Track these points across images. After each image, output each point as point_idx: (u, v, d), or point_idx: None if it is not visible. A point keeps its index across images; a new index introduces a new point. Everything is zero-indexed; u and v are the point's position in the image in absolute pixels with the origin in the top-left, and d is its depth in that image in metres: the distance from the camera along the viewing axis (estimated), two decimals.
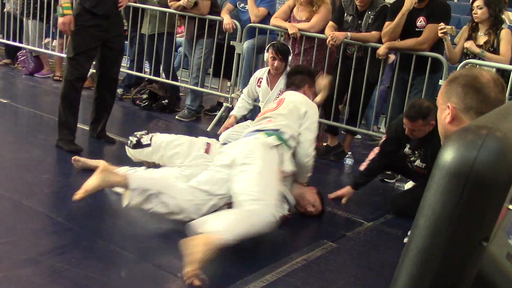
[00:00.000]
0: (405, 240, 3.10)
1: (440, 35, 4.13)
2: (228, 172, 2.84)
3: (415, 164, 3.56)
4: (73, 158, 3.57)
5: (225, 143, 3.53)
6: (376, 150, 3.74)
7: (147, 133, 3.51)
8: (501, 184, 0.74)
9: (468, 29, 4.28)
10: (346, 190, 3.69)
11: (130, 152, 3.53)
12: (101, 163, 3.56)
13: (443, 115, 1.60)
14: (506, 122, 0.82)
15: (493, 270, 0.82)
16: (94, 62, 4.25)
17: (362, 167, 3.77)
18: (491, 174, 0.73)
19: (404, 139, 3.55)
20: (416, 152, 3.54)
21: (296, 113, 3.19)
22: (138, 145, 3.44)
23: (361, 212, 3.56)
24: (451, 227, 0.75)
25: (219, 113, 5.42)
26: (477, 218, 0.75)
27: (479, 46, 4.17)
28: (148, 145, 3.40)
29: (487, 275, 0.82)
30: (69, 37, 4.17)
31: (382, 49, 4.41)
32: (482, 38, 4.18)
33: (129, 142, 3.51)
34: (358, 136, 5.54)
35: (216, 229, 2.37)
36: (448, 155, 0.75)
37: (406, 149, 3.59)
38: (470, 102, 1.55)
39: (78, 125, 4.19)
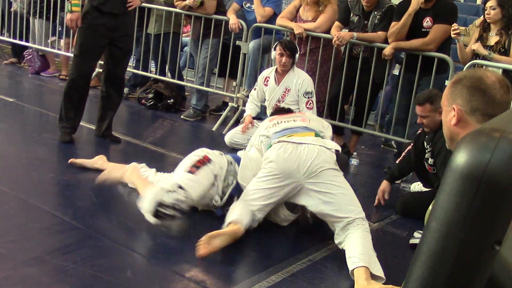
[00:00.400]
0: (411, 241, 3.09)
1: (453, 35, 4.11)
2: (284, 183, 2.86)
3: (429, 162, 3.55)
4: (69, 161, 3.58)
5: (235, 149, 3.44)
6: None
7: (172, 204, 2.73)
8: None
9: (479, 29, 4.25)
10: (384, 186, 3.69)
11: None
12: (99, 163, 3.57)
13: (448, 117, 1.59)
14: None
15: (505, 274, 0.82)
16: (101, 62, 4.26)
17: (398, 160, 3.82)
18: (504, 177, 0.72)
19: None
20: (429, 147, 3.54)
21: (321, 123, 3.36)
22: (176, 210, 2.78)
23: (367, 213, 3.51)
24: (464, 230, 0.75)
25: (224, 113, 5.42)
26: (490, 221, 0.75)
27: (490, 47, 4.15)
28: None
29: (499, 278, 0.81)
30: (75, 34, 4.18)
31: (388, 50, 4.40)
32: (493, 39, 4.15)
33: (159, 218, 2.71)
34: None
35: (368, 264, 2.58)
36: (461, 157, 0.74)
37: (424, 141, 3.59)
38: (476, 104, 1.55)
39: (85, 125, 4.20)
